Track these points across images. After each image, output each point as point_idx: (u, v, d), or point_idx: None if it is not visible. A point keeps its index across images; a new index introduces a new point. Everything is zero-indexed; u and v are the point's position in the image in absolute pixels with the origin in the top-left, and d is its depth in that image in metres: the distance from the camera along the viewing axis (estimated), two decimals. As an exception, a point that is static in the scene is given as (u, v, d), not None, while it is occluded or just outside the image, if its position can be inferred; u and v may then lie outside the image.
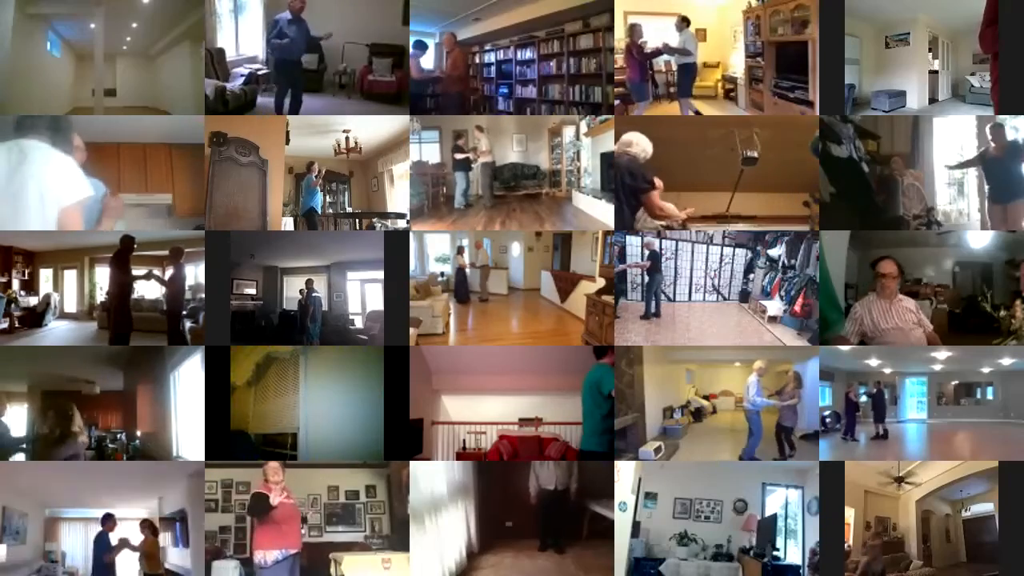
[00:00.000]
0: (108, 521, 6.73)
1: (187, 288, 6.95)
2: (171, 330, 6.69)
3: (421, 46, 7.48)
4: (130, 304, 6.84)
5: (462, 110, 8.31)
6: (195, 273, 6.69)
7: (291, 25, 7.16)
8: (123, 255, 6.76)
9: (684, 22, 7.61)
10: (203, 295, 6.41)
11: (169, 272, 6.81)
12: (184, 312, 6.85)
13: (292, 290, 7.94)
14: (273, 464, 6.02)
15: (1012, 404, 7.48)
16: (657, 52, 7.60)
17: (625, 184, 5.95)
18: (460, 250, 9.47)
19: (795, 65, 7.03)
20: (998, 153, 6.49)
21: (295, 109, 7.14)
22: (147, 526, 6.72)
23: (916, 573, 6.70)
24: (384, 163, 8.40)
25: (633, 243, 7.68)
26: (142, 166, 7.04)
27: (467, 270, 9.49)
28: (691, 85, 7.70)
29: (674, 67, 7.72)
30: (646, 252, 7.79)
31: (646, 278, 7.81)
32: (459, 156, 8.82)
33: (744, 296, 8.82)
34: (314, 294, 7.73)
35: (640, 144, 5.91)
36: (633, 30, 7.48)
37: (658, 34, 7.61)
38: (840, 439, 7.11)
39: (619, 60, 7.38)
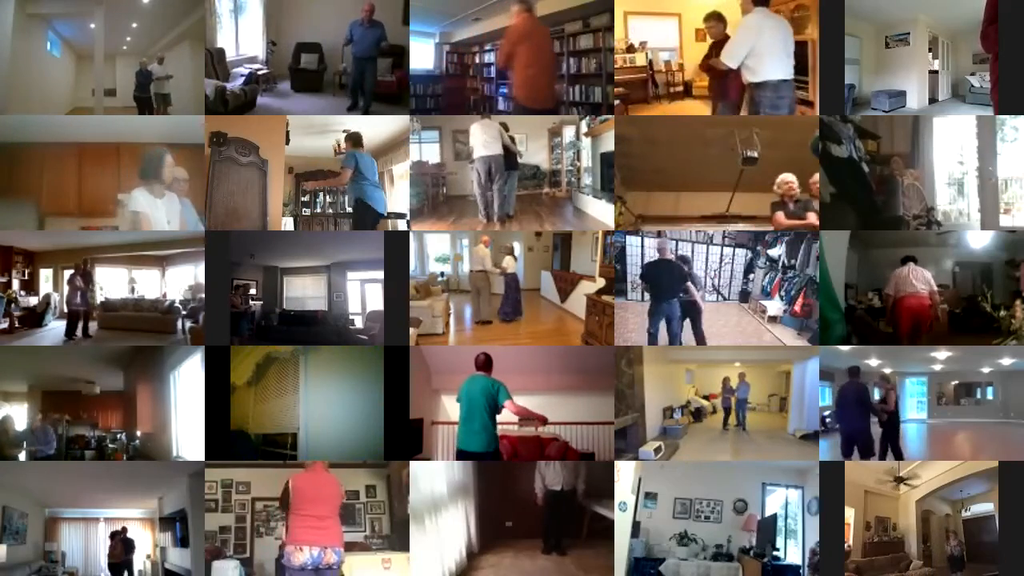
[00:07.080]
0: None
1: (187, 288, 6.98)
2: (67, 329, 7.03)
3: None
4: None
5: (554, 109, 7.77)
6: (195, 273, 6.70)
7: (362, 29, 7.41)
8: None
9: None
10: (203, 295, 6.42)
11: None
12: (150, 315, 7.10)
13: (293, 290, 7.93)
14: None
15: (1012, 404, 7.48)
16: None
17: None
18: (510, 250, 8.72)
19: (795, 65, 7.01)
20: None
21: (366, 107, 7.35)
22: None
23: (916, 573, 6.70)
24: (384, 163, 8.37)
25: (633, 243, 7.60)
26: (142, 166, 7.03)
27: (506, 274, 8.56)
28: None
29: (674, 66, 7.04)
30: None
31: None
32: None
33: (744, 296, 8.81)
34: (251, 302, 7.68)
35: None
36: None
37: (659, 33, 7.56)
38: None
39: (619, 60, 7.35)
